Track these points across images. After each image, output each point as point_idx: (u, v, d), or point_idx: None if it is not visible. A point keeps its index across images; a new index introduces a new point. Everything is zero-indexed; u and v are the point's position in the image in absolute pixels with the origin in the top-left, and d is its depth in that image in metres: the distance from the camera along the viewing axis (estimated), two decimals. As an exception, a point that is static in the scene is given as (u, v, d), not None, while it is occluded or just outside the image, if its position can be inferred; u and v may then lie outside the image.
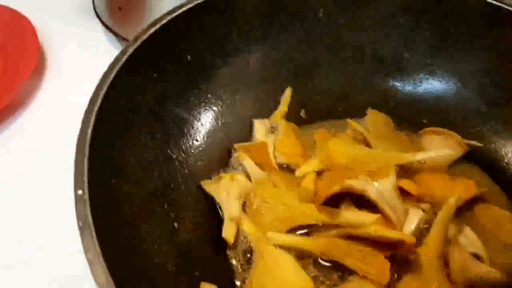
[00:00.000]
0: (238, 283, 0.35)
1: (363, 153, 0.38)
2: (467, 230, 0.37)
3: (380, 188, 0.34)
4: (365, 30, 0.46)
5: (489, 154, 0.44)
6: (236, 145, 0.41)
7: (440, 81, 0.46)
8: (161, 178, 0.37)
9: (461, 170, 0.42)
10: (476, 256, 0.36)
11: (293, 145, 0.40)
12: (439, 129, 0.44)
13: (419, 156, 0.38)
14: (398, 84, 0.48)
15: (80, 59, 0.57)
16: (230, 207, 0.36)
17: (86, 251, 0.24)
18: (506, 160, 0.43)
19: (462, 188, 0.39)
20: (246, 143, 0.41)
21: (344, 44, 0.46)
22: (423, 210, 0.36)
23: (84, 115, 0.31)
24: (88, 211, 0.26)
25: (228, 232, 0.35)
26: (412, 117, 0.46)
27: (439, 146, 0.43)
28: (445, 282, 0.34)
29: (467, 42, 0.44)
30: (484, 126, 0.44)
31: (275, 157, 0.40)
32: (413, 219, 0.36)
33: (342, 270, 0.34)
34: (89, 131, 0.30)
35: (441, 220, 0.36)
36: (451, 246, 0.36)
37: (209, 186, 0.38)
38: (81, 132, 0.30)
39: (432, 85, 0.47)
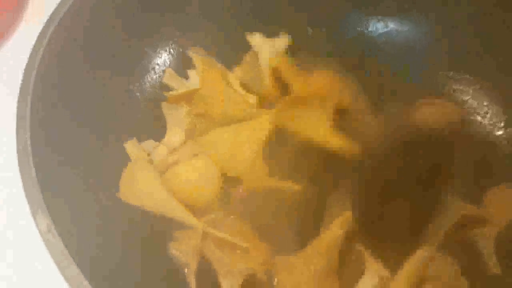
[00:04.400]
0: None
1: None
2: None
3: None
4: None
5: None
6: (167, 93, 0.41)
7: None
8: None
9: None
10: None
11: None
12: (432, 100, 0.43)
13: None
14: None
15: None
16: (173, 136, 0.39)
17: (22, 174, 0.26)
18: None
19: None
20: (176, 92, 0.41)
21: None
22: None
23: (33, 49, 0.31)
24: (28, 136, 0.28)
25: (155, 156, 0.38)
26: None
27: (436, 118, 0.42)
28: None
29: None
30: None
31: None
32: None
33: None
34: (36, 64, 0.30)
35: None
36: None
37: (167, 108, 0.40)
38: (28, 65, 0.31)
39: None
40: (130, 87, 0.40)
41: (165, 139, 0.39)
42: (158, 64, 0.42)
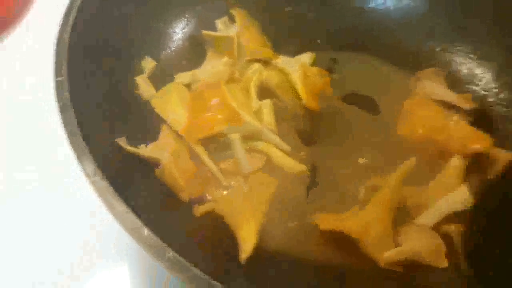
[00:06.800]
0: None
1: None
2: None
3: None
4: None
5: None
6: (204, 32, 0.44)
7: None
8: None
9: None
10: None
11: (255, 37, 0.42)
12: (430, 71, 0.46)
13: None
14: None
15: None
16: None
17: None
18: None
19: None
20: (214, 33, 0.44)
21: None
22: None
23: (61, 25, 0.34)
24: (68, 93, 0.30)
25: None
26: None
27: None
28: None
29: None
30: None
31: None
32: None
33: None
34: (67, 35, 0.33)
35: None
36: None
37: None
38: (60, 31, 0.33)
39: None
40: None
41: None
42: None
